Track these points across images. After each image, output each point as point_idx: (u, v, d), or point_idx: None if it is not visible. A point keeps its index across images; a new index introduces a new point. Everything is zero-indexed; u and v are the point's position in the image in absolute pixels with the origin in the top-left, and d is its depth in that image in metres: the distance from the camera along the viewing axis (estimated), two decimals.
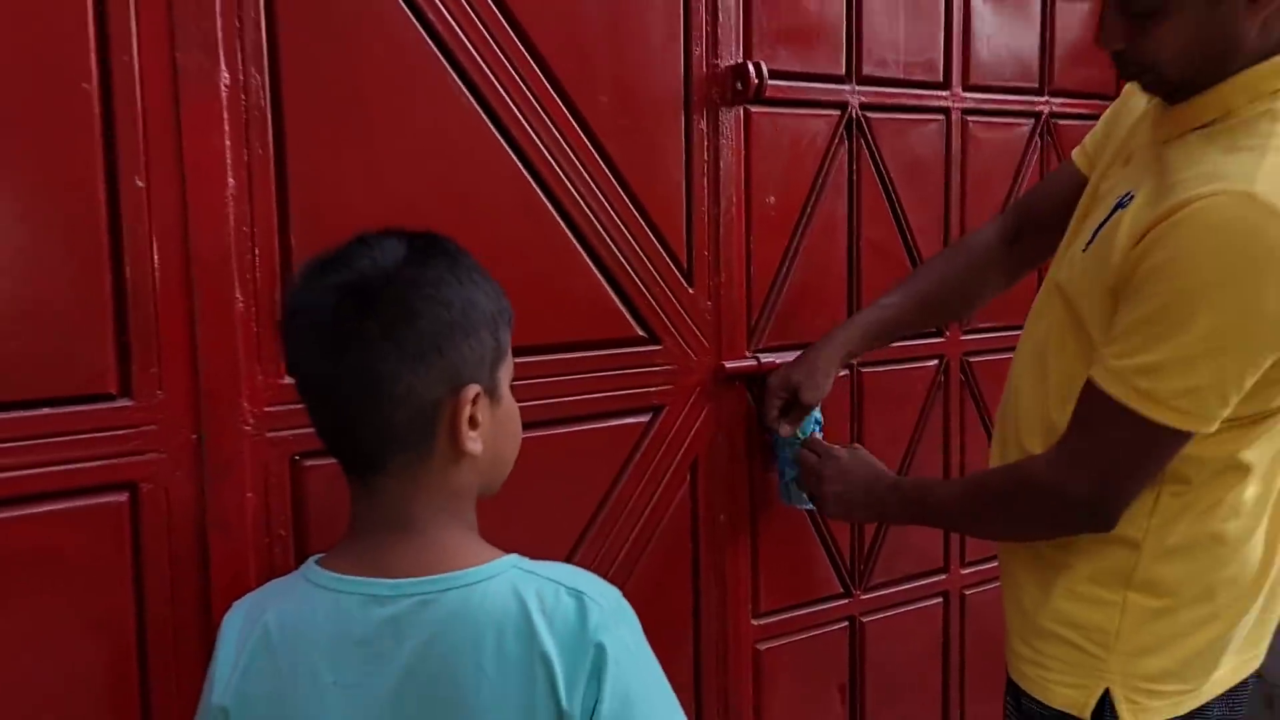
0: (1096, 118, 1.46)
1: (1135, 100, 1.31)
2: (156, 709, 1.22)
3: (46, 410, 1.15)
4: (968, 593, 2.06)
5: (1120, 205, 1.13)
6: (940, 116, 1.92)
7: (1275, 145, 1.02)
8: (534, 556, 1.00)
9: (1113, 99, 1.43)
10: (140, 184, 1.18)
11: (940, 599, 2.03)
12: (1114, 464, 1.10)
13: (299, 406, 1.04)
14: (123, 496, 1.20)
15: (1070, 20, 2.08)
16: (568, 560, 1.38)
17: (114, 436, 1.18)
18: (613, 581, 1.00)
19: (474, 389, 0.92)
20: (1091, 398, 1.11)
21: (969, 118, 1.95)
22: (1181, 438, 1.07)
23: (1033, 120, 2.05)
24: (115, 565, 1.19)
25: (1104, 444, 1.11)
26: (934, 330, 1.92)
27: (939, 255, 1.71)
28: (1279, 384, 1.08)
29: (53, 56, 1.12)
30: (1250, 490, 1.15)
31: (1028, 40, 2.04)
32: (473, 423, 0.93)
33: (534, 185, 1.47)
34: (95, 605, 1.18)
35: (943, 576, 2.03)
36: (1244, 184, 0.98)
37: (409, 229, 0.97)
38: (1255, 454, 1.13)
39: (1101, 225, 1.15)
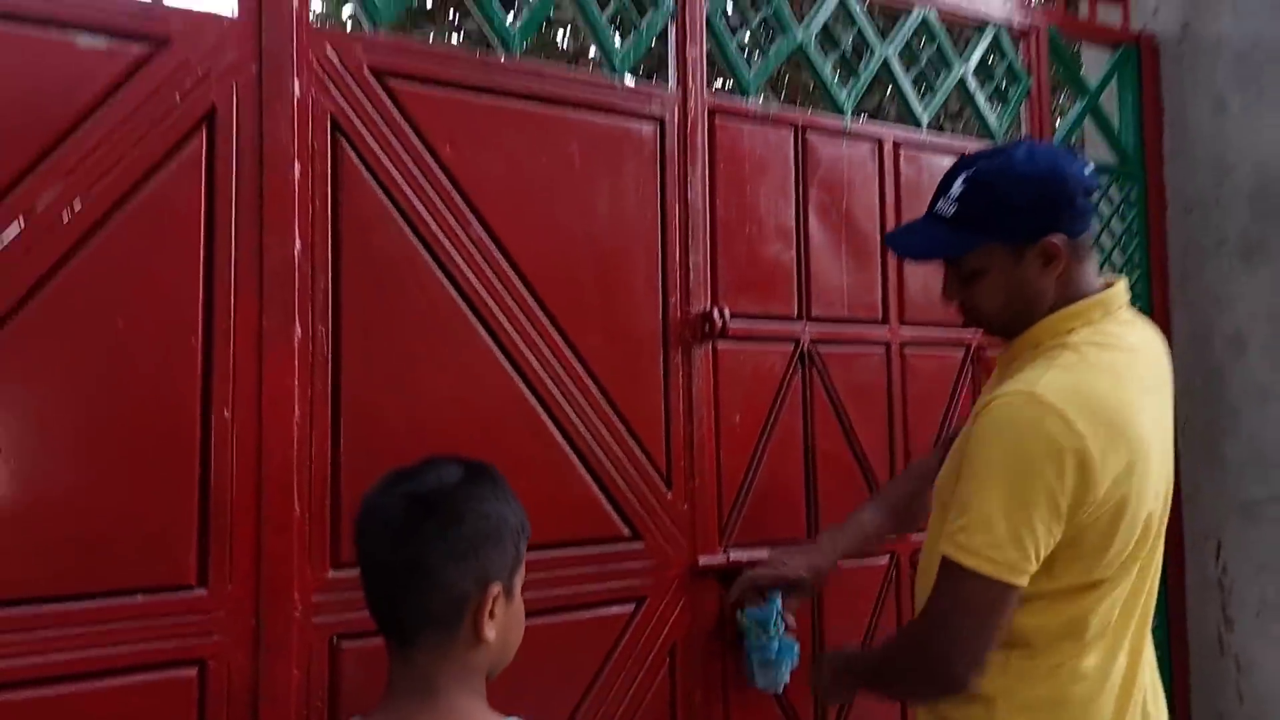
0: None
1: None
2: None
3: (140, 597, 1.42)
4: None
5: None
6: (881, 348, 2.27)
7: (1060, 362, 1.35)
8: None
9: None
10: (227, 415, 1.49)
11: None
12: (956, 620, 1.33)
13: (338, 596, 1.30)
14: (192, 672, 1.45)
15: None
16: None
17: (191, 621, 1.45)
18: None
19: (496, 587, 1.19)
20: (939, 564, 1.36)
21: (907, 349, 2.30)
22: (1002, 590, 1.29)
23: (963, 350, 2.40)
24: None
25: (945, 601, 1.34)
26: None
27: (900, 476, 2.03)
28: (1090, 558, 1.34)
29: (171, 317, 1.47)
30: (1091, 658, 1.39)
31: None
32: (491, 614, 1.19)
33: (539, 409, 1.79)
34: None
35: None
36: (1029, 386, 1.31)
37: (465, 458, 1.26)
38: (1093, 623, 1.38)
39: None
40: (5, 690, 1.33)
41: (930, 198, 1.50)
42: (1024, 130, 2.63)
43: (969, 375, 2.40)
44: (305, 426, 1.56)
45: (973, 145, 2.41)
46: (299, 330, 1.56)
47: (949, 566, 1.33)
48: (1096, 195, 1.72)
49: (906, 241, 1.61)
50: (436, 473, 1.20)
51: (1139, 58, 2.83)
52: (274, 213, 1.56)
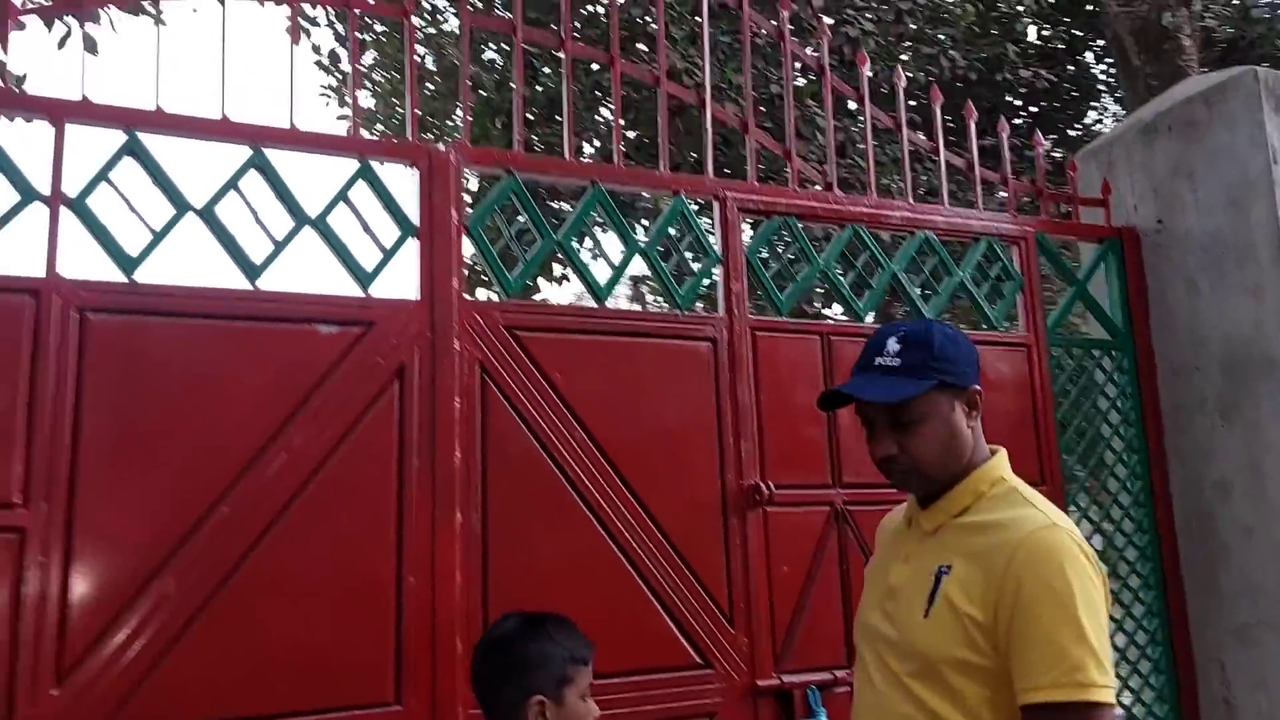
0: None
1: (882, 534, 1.81)
2: None
3: (356, 712, 2.06)
4: None
5: (941, 575, 1.52)
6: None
7: (1036, 504, 1.53)
8: None
9: None
10: (412, 580, 2.15)
11: None
12: None
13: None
14: None
15: None
16: None
17: None
18: None
19: (538, 698, 1.68)
20: (1046, 716, 1.37)
21: None
22: (1111, 711, 1.37)
23: None
24: None
25: None
26: None
27: None
28: None
29: (377, 510, 2.15)
30: None
31: None
32: (543, 716, 1.68)
33: (627, 565, 2.40)
34: None
35: None
36: (1047, 520, 1.47)
37: (530, 611, 1.80)
38: None
39: (933, 595, 1.52)
40: None
41: (859, 362, 1.61)
42: (1020, 319, 3.19)
43: None
44: (464, 585, 2.21)
45: (977, 336, 3.01)
46: (459, 517, 2.23)
47: (1073, 711, 1.36)
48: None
49: (869, 389, 1.58)
50: (503, 624, 1.78)
51: (1123, 248, 3.40)
52: (442, 434, 2.25)
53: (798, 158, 2.93)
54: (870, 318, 2.98)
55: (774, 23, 3.03)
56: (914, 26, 8.48)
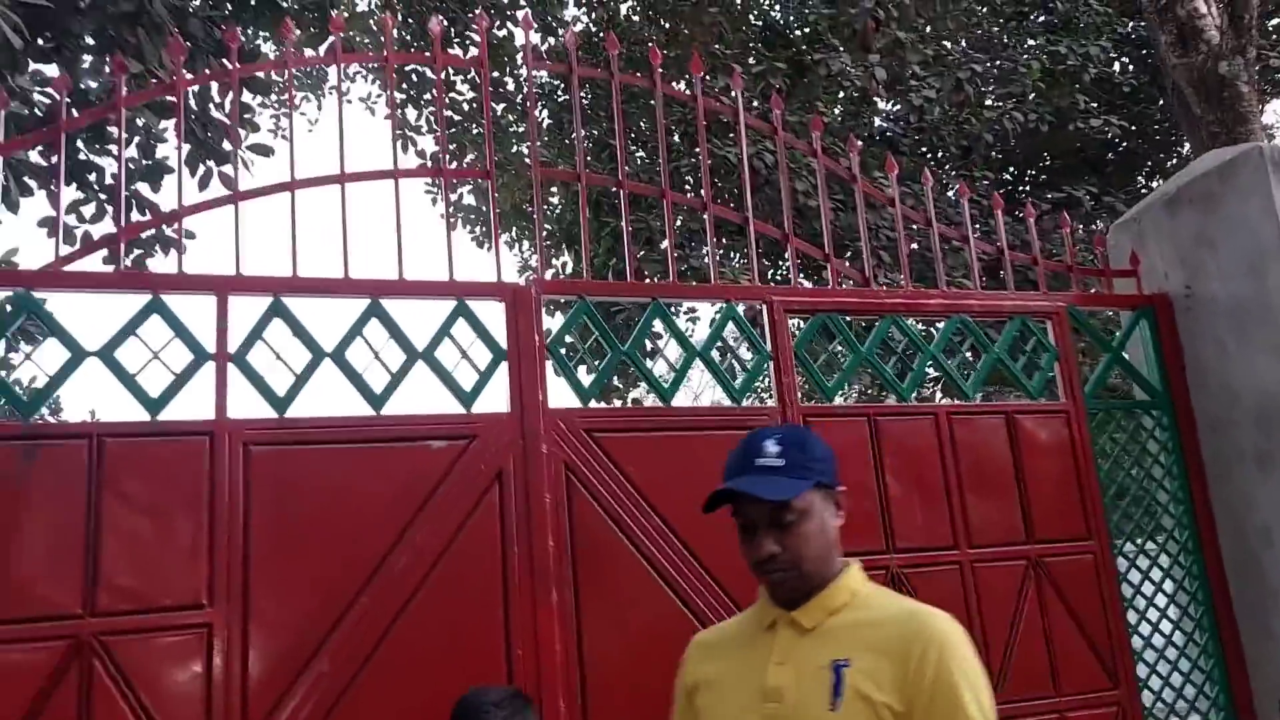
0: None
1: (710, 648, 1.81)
2: None
3: None
4: None
5: (840, 669, 1.56)
6: (956, 567, 3.12)
7: (909, 600, 1.69)
8: None
9: None
10: (520, 652, 2.57)
11: None
12: None
13: None
14: None
15: None
16: None
17: None
18: None
19: None
20: None
21: (976, 564, 3.14)
22: None
23: (1024, 562, 3.21)
24: None
25: None
26: None
27: None
28: None
29: (485, 594, 2.58)
30: None
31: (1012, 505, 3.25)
32: None
33: (698, 625, 2.76)
34: None
35: None
36: (941, 613, 1.60)
37: (512, 687, 2.21)
38: None
39: (838, 687, 1.55)
40: None
41: (738, 465, 1.66)
42: (1060, 389, 3.48)
43: (1031, 581, 3.19)
44: (563, 654, 2.61)
45: (1017, 406, 3.32)
46: (555, 596, 2.64)
47: None
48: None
49: (761, 486, 1.61)
50: (485, 693, 2.13)
51: (1156, 315, 3.66)
52: (537, 525, 2.68)
53: (835, 259, 3.32)
54: (914, 397, 3.32)
55: (807, 142, 3.44)
56: (973, 91, 8.80)
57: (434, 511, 2.61)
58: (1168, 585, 3.43)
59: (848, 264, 3.53)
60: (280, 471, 2.54)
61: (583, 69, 3.18)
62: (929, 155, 8.39)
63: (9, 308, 2.52)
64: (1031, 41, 9.42)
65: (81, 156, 5.79)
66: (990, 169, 9.36)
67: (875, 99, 8.62)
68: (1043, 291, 3.55)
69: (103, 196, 5.78)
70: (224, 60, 5.97)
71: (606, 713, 2.63)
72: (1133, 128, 9.34)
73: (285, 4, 6.87)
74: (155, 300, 2.57)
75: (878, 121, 8.28)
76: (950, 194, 7.74)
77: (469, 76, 11.07)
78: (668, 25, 9.60)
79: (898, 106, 8.43)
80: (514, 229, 11.04)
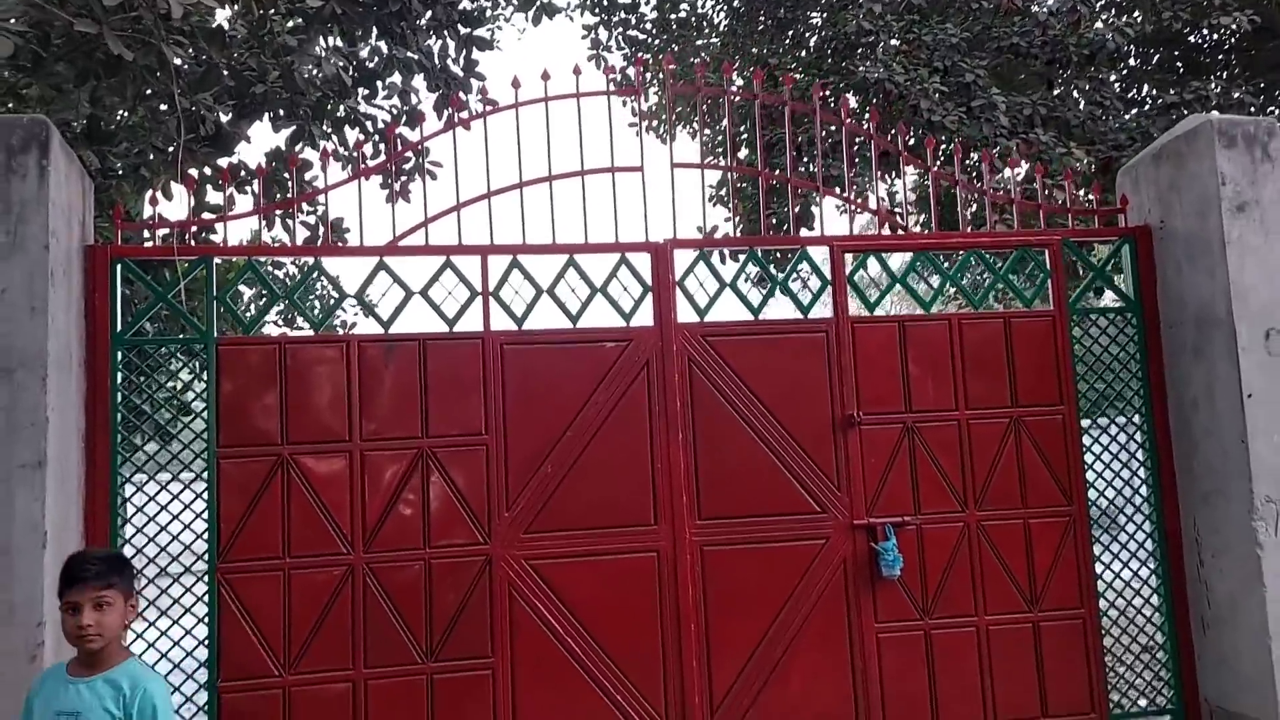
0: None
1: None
2: None
3: (631, 527, 4.30)
4: None
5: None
6: (955, 423, 4.63)
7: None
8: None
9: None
10: (658, 465, 4.35)
11: None
12: None
13: (701, 532, 4.08)
14: (653, 558, 4.29)
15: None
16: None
17: (648, 533, 4.30)
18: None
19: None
20: None
21: (971, 421, 4.64)
22: None
23: (1008, 420, 4.68)
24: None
25: None
26: None
27: None
28: None
29: (638, 440, 4.36)
30: None
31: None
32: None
33: (775, 460, 4.46)
34: None
35: None
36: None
37: (119, 552, 3.39)
38: None
39: None
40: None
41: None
42: (1051, 300, 4.83)
43: (1012, 433, 4.66)
44: (688, 467, 4.37)
45: (1015, 313, 4.74)
46: (680, 435, 4.39)
47: None
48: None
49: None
50: (91, 550, 3.55)
51: (1138, 242, 4.91)
52: (669, 393, 4.42)
53: (880, 211, 4.79)
54: (935, 307, 4.80)
55: (866, 127, 4.87)
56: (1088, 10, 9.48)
57: (608, 384, 4.39)
58: (1130, 445, 4.81)
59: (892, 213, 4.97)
60: (520, 361, 4.38)
61: None
62: (1057, 64, 9.23)
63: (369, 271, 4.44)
64: None
65: (362, 108, 7.83)
66: (1117, 70, 10.07)
67: (1009, 14, 9.50)
68: (1043, 229, 4.89)
69: (376, 138, 7.80)
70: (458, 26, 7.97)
71: (712, 501, 4.38)
72: (1264, 25, 9.68)
73: None
74: (448, 260, 4.41)
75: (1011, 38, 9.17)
76: (1041, 110, 8.69)
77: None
78: None
79: (1026, 20, 9.31)
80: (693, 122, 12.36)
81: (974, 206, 9.03)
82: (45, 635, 3.44)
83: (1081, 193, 6.02)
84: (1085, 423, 4.80)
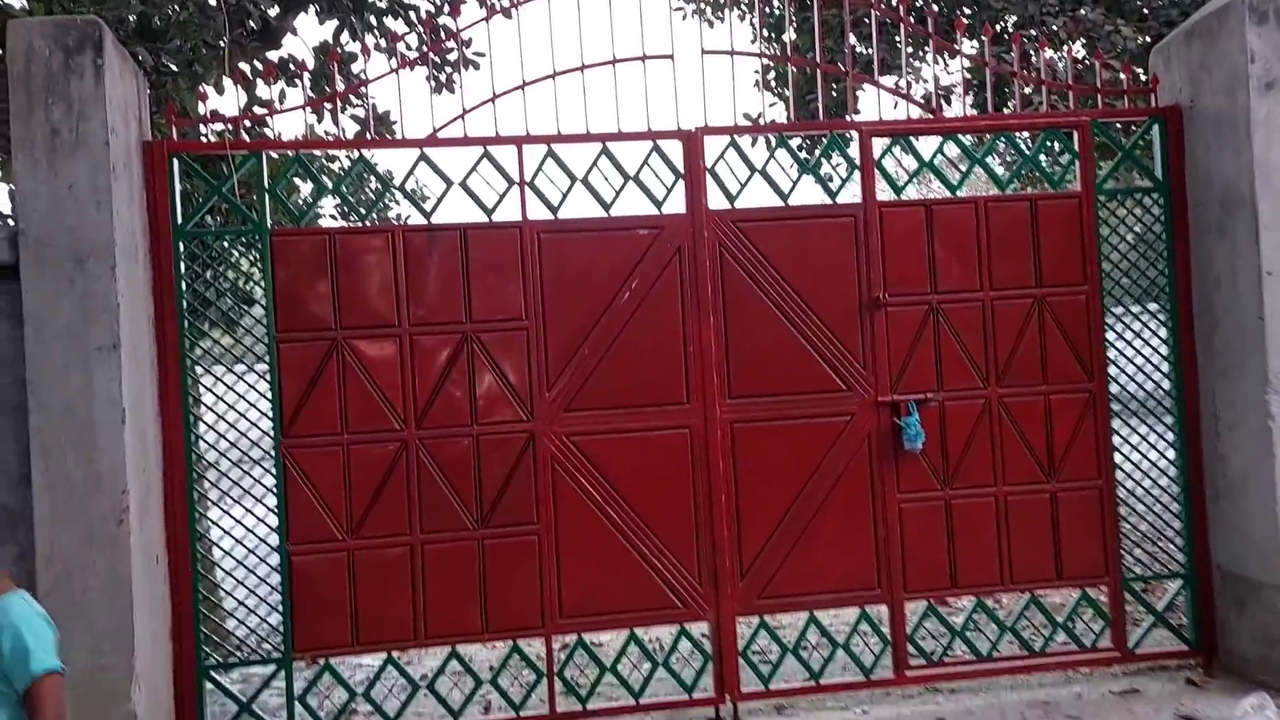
0: None
1: None
2: None
3: (664, 407, 4.54)
4: None
5: None
6: (979, 303, 4.77)
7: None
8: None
9: None
10: (690, 349, 4.56)
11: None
12: None
13: (731, 410, 4.32)
14: (685, 433, 4.54)
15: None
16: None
17: (680, 412, 4.54)
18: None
19: None
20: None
21: (995, 302, 4.78)
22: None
23: (1031, 299, 4.80)
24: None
25: None
26: None
27: None
28: None
29: (670, 327, 4.56)
30: None
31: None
32: None
33: (805, 345, 4.65)
34: None
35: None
36: None
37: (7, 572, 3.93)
38: None
39: None
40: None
41: None
42: (1078, 181, 4.89)
43: (1035, 312, 4.79)
44: (719, 349, 4.58)
45: (1037, 193, 4.81)
46: (712, 318, 4.59)
47: None
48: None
49: None
50: None
51: (1168, 122, 4.93)
52: (701, 277, 4.60)
53: (909, 96, 4.85)
54: (964, 190, 4.89)
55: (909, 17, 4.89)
56: None
57: (641, 270, 4.58)
58: (1153, 323, 4.93)
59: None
60: (556, 248, 4.57)
61: None
62: None
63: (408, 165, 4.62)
64: None
65: None
66: None
67: None
68: (1072, 110, 4.92)
69: (419, 28, 7.87)
70: None
71: (742, 380, 4.60)
72: None
73: None
74: (485, 151, 4.57)
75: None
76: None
77: None
78: None
79: None
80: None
81: (1026, 89, 8.93)
82: (129, 501, 3.77)
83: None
84: (1108, 302, 4.91)
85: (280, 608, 4.34)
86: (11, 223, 4.01)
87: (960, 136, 4.91)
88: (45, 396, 3.72)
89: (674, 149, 4.68)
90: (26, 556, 3.70)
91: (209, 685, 4.28)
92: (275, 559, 4.33)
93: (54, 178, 3.76)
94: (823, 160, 4.89)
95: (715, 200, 4.68)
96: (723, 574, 4.56)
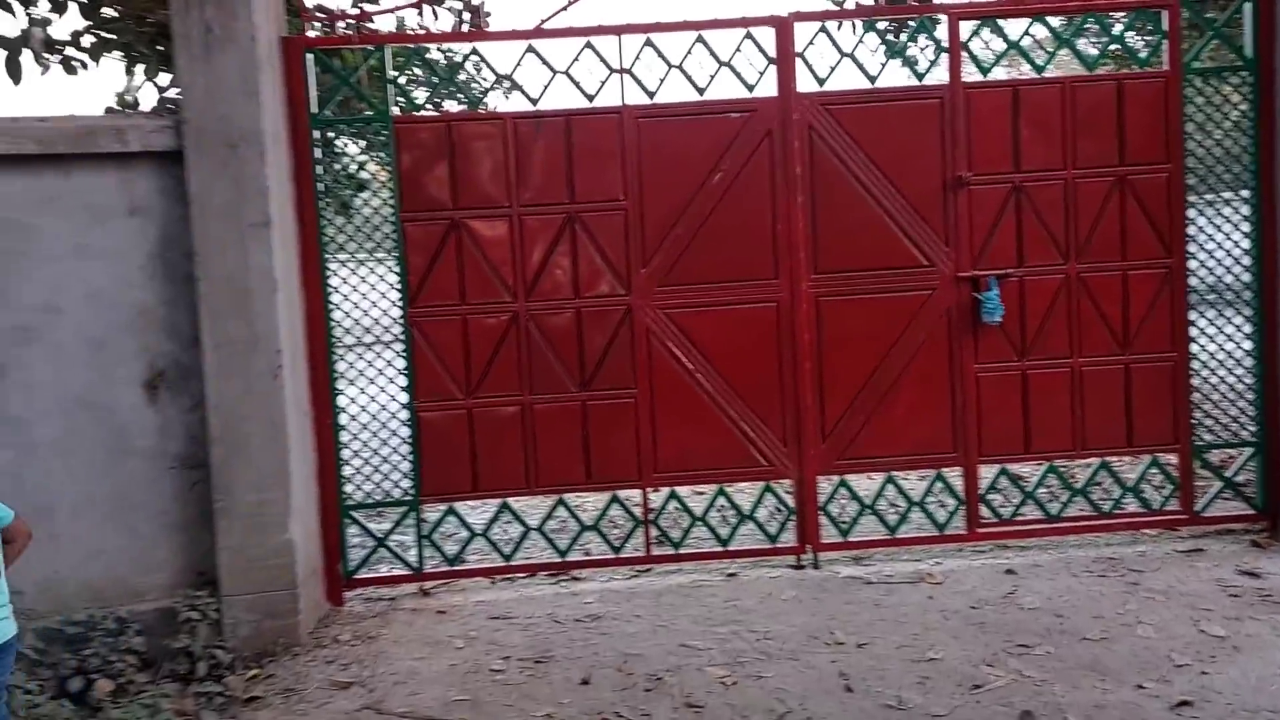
0: None
1: None
2: None
3: (752, 282, 4.87)
4: None
5: None
6: (1062, 181, 4.93)
7: None
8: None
9: None
10: (780, 228, 4.86)
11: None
12: None
13: (817, 285, 4.61)
14: (773, 307, 4.87)
15: None
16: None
17: (771, 288, 4.86)
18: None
19: None
20: None
21: (1077, 180, 4.93)
22: None
23: (1112, 176, 4.94)
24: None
25: None
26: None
27: None
28: None
29: (761, 209, 4.86)
30: None
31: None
32: None
33: (890, 223, 4.90)
34: None
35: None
36: None
37: None
38: None
39: None
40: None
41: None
42: (1166, 61, 4.95)
43: (1117, 191, 4.93)
44: (806, 227, 4.87)
45: (1123, 73, 4.91)
46: (800, 198, 4.86)
47: None
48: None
49: None
50: None
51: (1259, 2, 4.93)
52: (790, 159, 4.86)
53: None
54: (1049, 71, 5.00)
55: None
56: None
57: (733, 150, 4.86)
58: (1236, 200, 5.02)
59: None
60: (653, 133, 4.87)
61: None
62: None
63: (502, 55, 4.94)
64: None
65: None
66: None
67: None
68: None
69: None
70: None
71: (827, 257, 4.89)
72: None
73: None
74: (588, 42, 4.87)
75: None
76: None
77: None
78: None
79: None
80: None
81: None
82: (283, 360, 4.31)
83: None
84: (1192, 181, 5.01)
85: (410, 459, 4.89)
86: (170, 114, 4.49)
87: (1048, 18, 5.00)
88: (209, 268, 4.25)
89: (765, 35, 4.90)
90: (199, 405, 4.29)
91: (349, 523, 4.89)
92: (405, 415, 4.87)
93: (209, 70, 4.21)
94: (910, 43, 5.04)
95: (804, 84, 4.90)
96: (806, 436, 4.94)
